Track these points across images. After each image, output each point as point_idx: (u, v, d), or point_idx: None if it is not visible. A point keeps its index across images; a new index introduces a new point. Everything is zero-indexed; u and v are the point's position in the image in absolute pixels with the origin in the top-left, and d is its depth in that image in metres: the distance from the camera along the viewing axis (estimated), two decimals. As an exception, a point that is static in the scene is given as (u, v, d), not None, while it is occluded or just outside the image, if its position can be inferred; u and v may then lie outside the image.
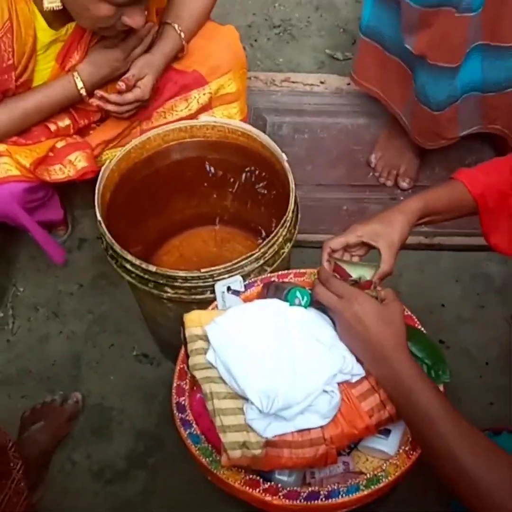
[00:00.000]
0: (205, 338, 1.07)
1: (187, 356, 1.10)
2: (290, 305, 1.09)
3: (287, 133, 2.02)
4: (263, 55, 2.24)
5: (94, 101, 1.41)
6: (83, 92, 1.41)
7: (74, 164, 1.46)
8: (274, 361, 1.02)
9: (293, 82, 2.09)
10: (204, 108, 1.55)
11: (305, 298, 1.09)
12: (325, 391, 1.02)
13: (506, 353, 1.59)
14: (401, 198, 1.85)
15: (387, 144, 1.90)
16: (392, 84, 1.75)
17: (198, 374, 1.06)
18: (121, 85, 1.40)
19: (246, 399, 1.01)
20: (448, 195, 1.13)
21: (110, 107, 1.43)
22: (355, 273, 1.10)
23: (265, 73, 2.13)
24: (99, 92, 1.41)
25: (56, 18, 1.32)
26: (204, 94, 1.53)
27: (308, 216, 1.81)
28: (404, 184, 1.86)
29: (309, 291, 1.10)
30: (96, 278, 1.83)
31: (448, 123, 1.68)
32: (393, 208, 1.11)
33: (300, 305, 1.09)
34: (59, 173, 1.46)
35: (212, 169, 1.57)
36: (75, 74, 1.39)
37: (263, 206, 1.57)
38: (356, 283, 1.07)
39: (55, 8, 1.27)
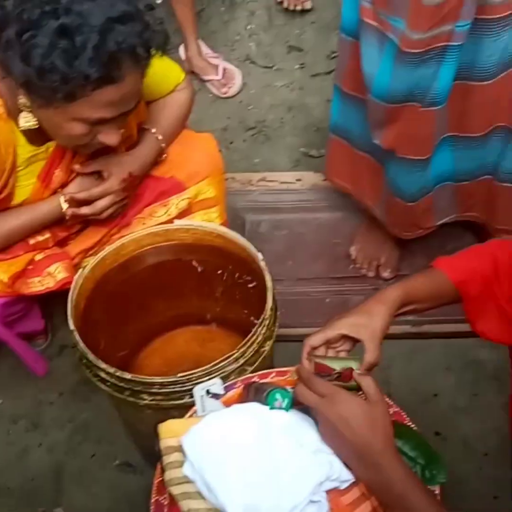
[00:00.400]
0: (181, 450, 1.02)
1: (162, 470, 1.03)
2: (271, 408, 1.04)
3: (266, 230, 2.02)
4: (239, 156, 2.28)
5: (68, 210, 1.41)
6: (69, 212, 1.41)
7: (54, 275, 1.45)
8: (256, 471, 0.97)
9: (269, 181, 2.11)
10: (184, 213, 1.56)
11: (286, 400, 1.04)
12: (312, 501, 0.96)
13: (506, 443, 1.53)
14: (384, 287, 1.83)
15: (366, 236, 1.91)
16: (363, 180, 1.77)
17: (175, 490, 1.00)
18: (76, 167, 1.40)
19: (227, 515, 0.94)
20: (429, 283, 1.11)
21: (83, 210, 1.42)
22: (338, 367, 1.06)
23: (242, 173, 2.16)
24: (67, 195, 1.40)
25: (36, 136, 1.33)
26: (182, 199, 1.54)
27: (290, 310, 1.80)
28: (385, 274, 1.85)
29: (290, 392, 1.05)
30: (77, 385, 1.78)
31: (423, 213, 1.69)
32: (372, 299, 1.09)
33: (281, 407, 1.04)
34: (38, 285, 1.45)
35: (189, 270, 1.55)
36: (62, 198, 1.40)
37: (243, 304, 1.55)
38: (340, 375, 1.03)
39: (30, 127, 1.29)
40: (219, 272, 1.52)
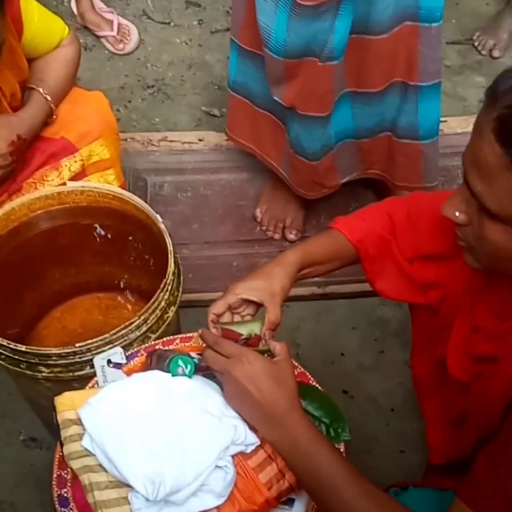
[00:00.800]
0: (80, 422, 0.97)
1: (61, 444, 0.98)
2: (173, 375, 1.00)
3: (170, 193, 1.96)
4: (139, 116, 2.19)
5: None
6: None
7: None
8: (158, 441, 0.93)
9: (171, 141, 2.04)
10: (78, 176, 1.48)
11: (189, 367, 1.00)
12: (218, 467, 0.93)
13: (411, 398, 1.57)
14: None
15: (271, 197, 1.88)
16: (265, 138, 1.74)
17: (75, 464, 0.95)
18: None
19: (130, 486, 0.90)
20: (328, 244, 1.10)
21: None
22: (244, 330, 1.04)
23: (142, 133, 2.08)
24: None
25: None
26: (75, 161, 1.47)
27: (198, 275, 1.78)
28: (291, 236, 1.84)
29: (193, 358, 1.02)
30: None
31: (326, 172, 1.68)
32: (271, 262, 1.07)
33: (184, 374, 1.00)
34: None
35: (87, 234, 1.48)
36: None
37: (146, 269, 1.49)
38: (248, 340, 1.01)
39: None
40: (117, 236, 1.46)
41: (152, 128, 2.15)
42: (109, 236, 1.47)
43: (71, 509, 0.98)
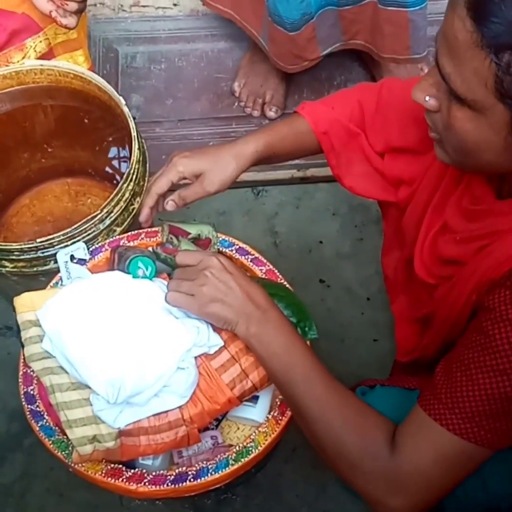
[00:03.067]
0: (39, 324, 0.95)
1: (22, 345, 0.97)
2: (134, 277, 0.97)
3: (142, 65, 1.84)
4: (109, -22, 2.00)
5: None
6: None
7: None
8: (119, 343, 0.92)
9: (143, 6, 1.89)
10: (45, 57, 1.36)
11: (150, 268, 0.97)
12: (180, 368, 0.93)
13: (387, 286, 1.56)
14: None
15: (250, 69, 1.76)
16: (245, 4, 1.60)
17: (35, 366, 0.95)
18: None
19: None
20: (291, 134, 1.03)
21: None
22: (193, 230, 1.01)
23: (112, -2, 1.92)
24: None
25: None
26: (40, 41, 1.34)
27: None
28: (271, 113, 1.73)
29: (154, 260, 0.98)
30: None
31: (307, 43, 1.56)
32: (225, 146, 1.01)
33: (144, 276, 0.97)
34: None
35: (50, 117, 1.39)
36: None
37: (113, 153, 1.42)
38: (197, 240, 0.99)
39: None
40: (81, 118, 1.37)
41: (123, -8, 1.98)
42: (73, 118, 1.39)
43: (38, 406, 0.99)
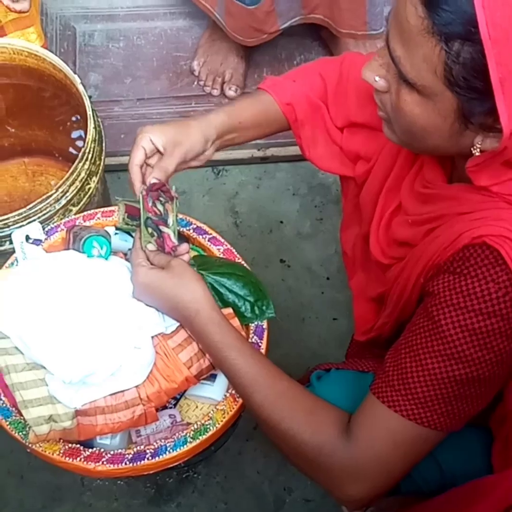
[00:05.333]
0: (-7, 305, 0.94)
1: (-25, 325, 0.96)
2: (89, 256, 0.97)
3: (101, 43, 1.81)
4: (66, -48, 1.96)
5: None
6: None
7: None
8: (73, 323, 0.91)
9: (100, -18, 1.86)
10: None
11: (105, 247, 0.97)
12: (136, 348, 0.92)
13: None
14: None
15: (209, 48, 1.74)
16: (201, -20, 1.59)
17: (-10, 346, 0.93)
18: None
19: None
20: (254, 107, 1.02)
21: None
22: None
23: (68, -27, 1.88)
24: None
25: None
26: None
27: (130, 135, 1.64)
28: (230, 92, 1.72)
29: (108, 239, 0.98)
30: None
31: (266, 16, 1.55)
32: (194, 119, 0.99)
33: (99, 255, 0.97)
34: None
35: (5, 95, 1.36)
36: None
37: (69, 132, 1.40)
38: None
39: None
40: (36, 97, 1.35)
41: (80, -33, 1.93)
42: (29, 97, 1.36)
43: (-6, 387, 0.98)
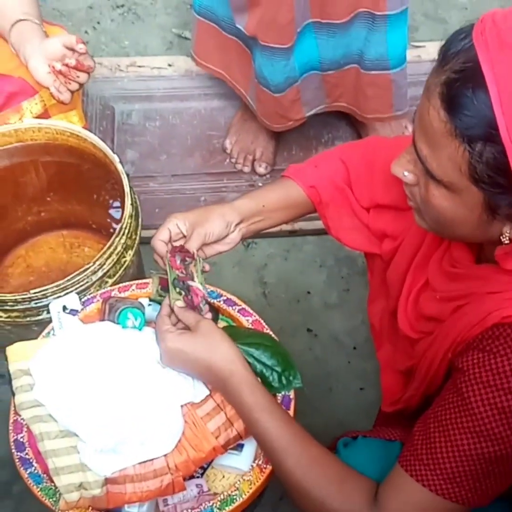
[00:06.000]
0: (31, 373, 0.98)
1: (13, 393, 0.99)
2: (123, 327, 1.01)
3: (138, 122, 1.91)
4: (108, 39, 2.10)
5: None
6: None
7: None
8: (107, 392, 0.95)
9: (139, 66, 1.97)
10: (41, 118, 1.41)
11: (139, 319, 1.01)
12: (166, 417, 0.95)
13: (373, 336, 1.58)
14: (260, 184, 1.79)
15: (241, 127, 1.83)
16: (234, 65, 1.68)
17: (25, 414, 0.97)
18: None
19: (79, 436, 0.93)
20: (278, 191, 1.08)
21: None
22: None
23: (110, 58, 2.00)
24: None
25: None
26: (36, 103, 1.39)
27: (165, 209, 1.75)
28: (261, 169, 1.80)
29: (144, 310, 1.02)
30: None
31: (291, 104, 1.63)
32: (218, 204, 1.05)
33: (134, 326, 1.01)
34: None
35: (47, 172, 1.45)
36: None
37: (107, 207, 1.47)
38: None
39: None
40: (77, 174, 1.43)
41: (121, 52, 2.06)
42: (69, 174, 1.44)
43: (27, 453, 1.01)
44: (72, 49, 1.25)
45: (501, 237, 0.77)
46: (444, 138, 0.72)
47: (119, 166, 1.27)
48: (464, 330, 0.81)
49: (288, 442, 0.86)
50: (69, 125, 1.35)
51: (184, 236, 1.02)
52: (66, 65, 1.25)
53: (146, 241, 1.54)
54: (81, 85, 1.29)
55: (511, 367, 0.74)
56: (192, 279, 0.98)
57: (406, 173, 0.82)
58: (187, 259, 1.00)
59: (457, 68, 0.70)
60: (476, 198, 0.74)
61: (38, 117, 1.41)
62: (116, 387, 0.95)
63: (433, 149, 0.74)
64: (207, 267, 1.02)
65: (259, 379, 1.01)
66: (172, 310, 0.97)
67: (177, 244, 1.03)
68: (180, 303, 0.96)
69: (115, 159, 1.27)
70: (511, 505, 0.93)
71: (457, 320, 0.84)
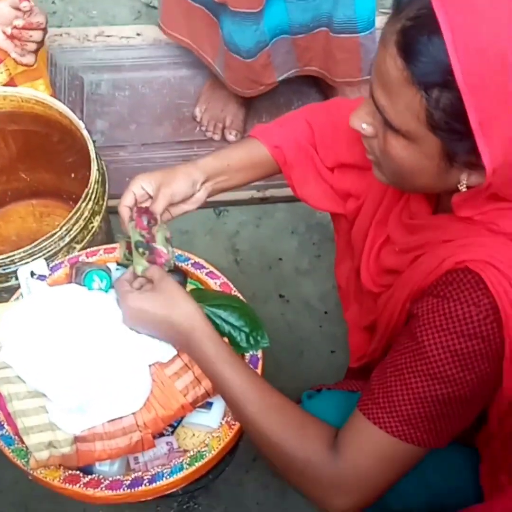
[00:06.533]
0: (-2, 336, 0.98)
1: (-19, 357, 1.00)
2: (89, 289, 1.01)
3: (107, 92, 1.89)
4: (76, 8, 2.07)
5: None
6: None
7: None
8: (74, 352, 0.95)
9: (108, 36, 1.95)
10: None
11: (105, 281, 1.02)
12: (133, 376, 0.96)
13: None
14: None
15: (211, 95, 1.82)
16: (201, 34, 1.67)
17: (-6, 376, 0.97)
18: None
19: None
20: (243, 150, 1.08)
21: None
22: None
23: (78, 28, 1.98)
24: None
25: None
26: (1, 72, 1.38)
27: None
28: (231, 137, 1.80)
29: (109, 273, 1.03)
30: None
31: (263, 69, 1.63)
32: (182, 164, 1.04)
33: (100, 288, 1.01)
34: None
35: (14, 141, 1.44)
36: None
37: (75, 175, 1.47)
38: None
39: None
40: (44, 142, 1.42)
41: (89, 22, 2.04)
42: (36, 142, 1.43)
43: (-4, 416, 1.02)
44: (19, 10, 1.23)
45: (458, 185, 0.78)
46: (401, 86, 0.72)
47: (85, 132, 1.26)
48: (420, 279, 0.83)
49: (249, 390, 0.88)
50: (34, 92, 1.34)
51: (151, 197, 1.02)
52: (15, 27, 1.23)
53: (116, 210, 1.56)
54: (40, 43, 1.27)
55: (463, 311, 0.76)
56: (154, 241, 0.99)
57: (364, 126, 0.83)
58: (152, 221, 1.00)
59: (412, 15, 0.71)
60: (434, 146, 0.75)
61: (3, 85, 1.40)
62: (83, 348, 0.96)
63: (390, 98, 0.75)
64: (168, 234, 1.02)
65: (226, 339, 1.03)
66: (135, 276, 0.98)
67: (144, 205, 1.03)
68: (141, 268, 0.97)
69: (81, 125, 1.27)
70: (470, 452, 0.96)
71: (414, 270, 0.85)
